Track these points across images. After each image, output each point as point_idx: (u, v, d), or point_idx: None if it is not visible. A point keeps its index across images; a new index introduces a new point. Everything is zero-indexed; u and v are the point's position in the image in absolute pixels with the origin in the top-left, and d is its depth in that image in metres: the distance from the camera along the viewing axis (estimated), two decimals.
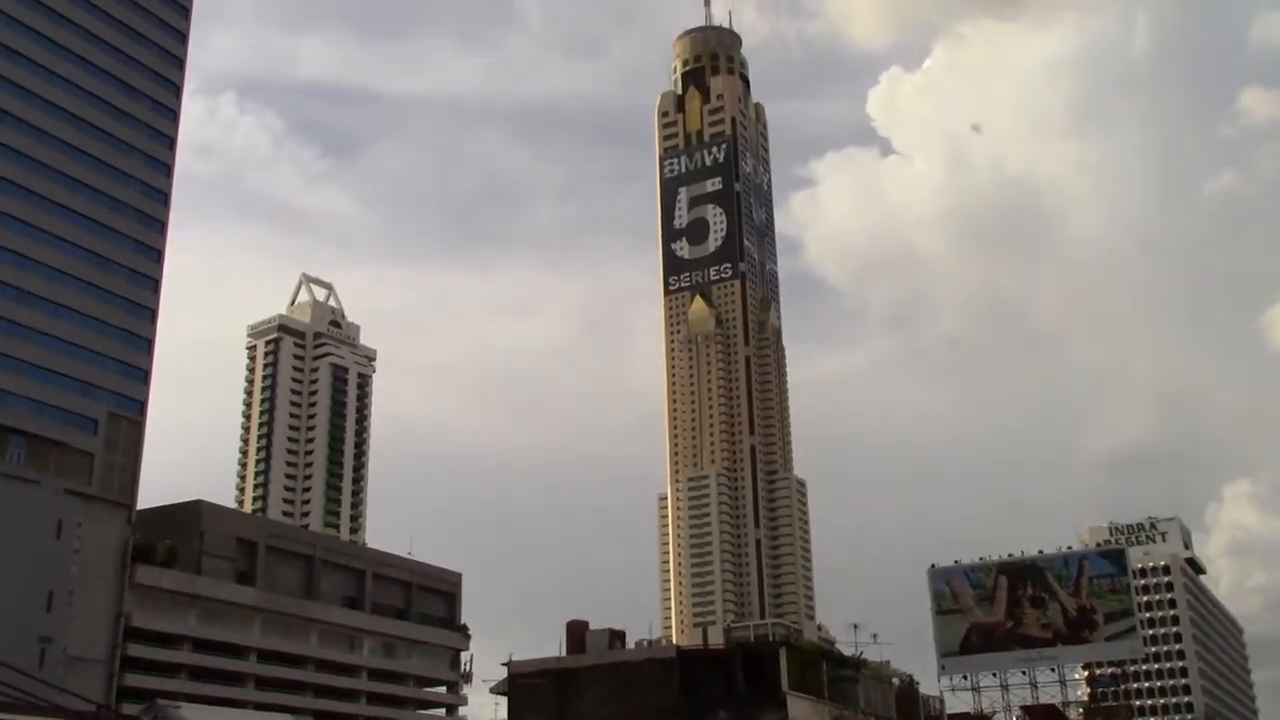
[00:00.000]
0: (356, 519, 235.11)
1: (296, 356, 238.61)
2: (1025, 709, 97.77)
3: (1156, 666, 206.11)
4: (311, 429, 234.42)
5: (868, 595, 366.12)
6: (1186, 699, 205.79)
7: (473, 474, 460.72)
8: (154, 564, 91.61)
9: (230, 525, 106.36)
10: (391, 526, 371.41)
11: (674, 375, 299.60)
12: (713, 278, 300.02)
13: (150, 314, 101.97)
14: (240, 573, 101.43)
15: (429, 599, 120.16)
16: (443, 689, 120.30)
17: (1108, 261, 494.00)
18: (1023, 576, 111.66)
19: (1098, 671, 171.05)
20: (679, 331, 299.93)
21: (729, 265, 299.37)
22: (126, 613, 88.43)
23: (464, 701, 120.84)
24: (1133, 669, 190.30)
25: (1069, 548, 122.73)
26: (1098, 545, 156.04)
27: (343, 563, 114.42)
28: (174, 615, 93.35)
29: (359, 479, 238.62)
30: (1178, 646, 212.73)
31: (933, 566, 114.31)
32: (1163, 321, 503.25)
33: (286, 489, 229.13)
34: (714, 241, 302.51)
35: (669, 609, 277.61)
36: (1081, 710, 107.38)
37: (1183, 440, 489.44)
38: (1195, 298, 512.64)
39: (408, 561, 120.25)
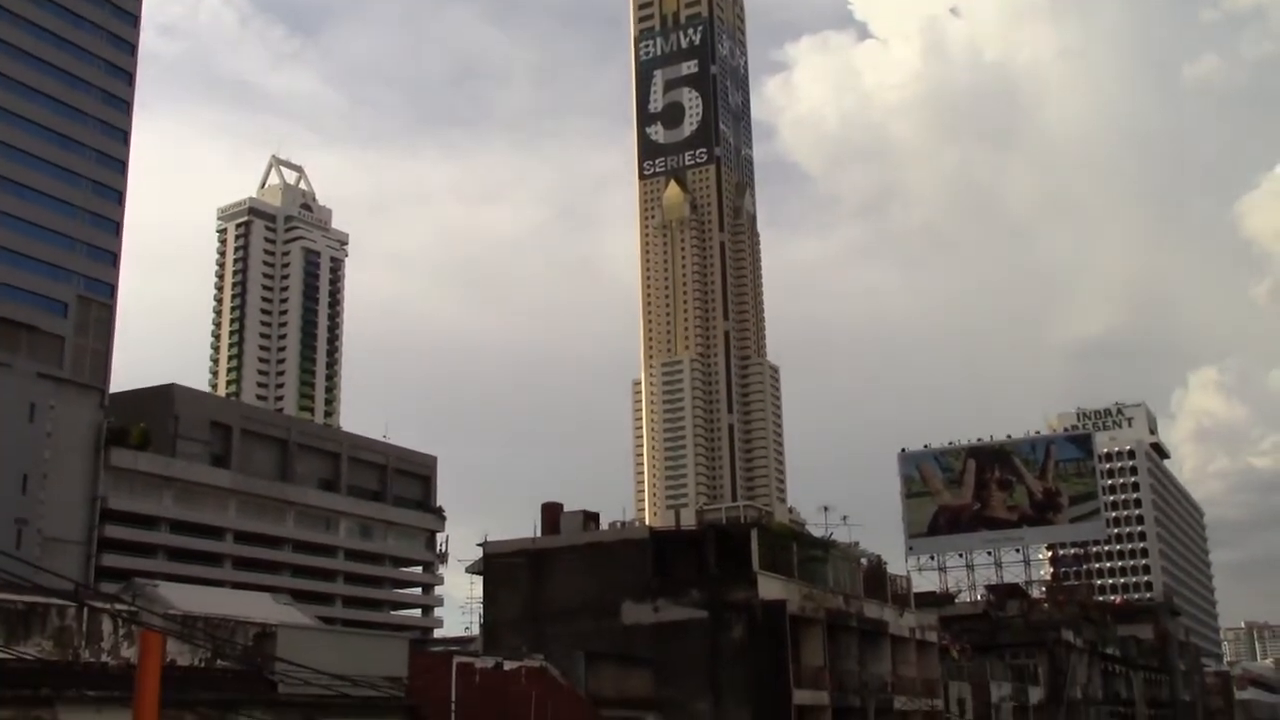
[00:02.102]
0: (331, 403, 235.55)
1: (268, 240, 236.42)
2: (990, 588, 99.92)
3: (1119, 548, 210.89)
4: (284, 313, 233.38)
5: (838, 479, 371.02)
6: (1146, 579, 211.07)
7: (447, 360, 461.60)
8: (128, 447, 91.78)
9: (204, 409, 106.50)
10: (366, 411, 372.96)
11: (648, 261, 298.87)
12: (688, 162, 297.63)
13: (118, 196, 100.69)
14: (215, 456, 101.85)
15: (404, 482, 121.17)
16: (419, 569, 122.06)
17: (1083, 149, 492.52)
18: (991, 460, 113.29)
19: (1061, 552, 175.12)
20: (653, 217, 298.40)
21: (704, 150, 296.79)
22: (102, 495, 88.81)
23: (440, 581, 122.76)
24: (1095, 550, 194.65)
25: (1037, 433, 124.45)
26: (1065, 430, 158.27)
27: (318, 446, 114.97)
28: (150, 497, 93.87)
29: (333, 363, 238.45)
30: (1140, 529, 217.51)
31: (903, 451, 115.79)
32: (1136, 209, 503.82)
33: (260, 373, 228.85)
34: (689, 125, 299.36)
35: (642, 492, 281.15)
36: (1044, 589, 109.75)
37: (1151, 328, 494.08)
38: (1169, 185, 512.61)
39: (383, 445, 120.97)
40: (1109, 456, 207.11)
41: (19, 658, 18.06)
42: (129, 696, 15.90)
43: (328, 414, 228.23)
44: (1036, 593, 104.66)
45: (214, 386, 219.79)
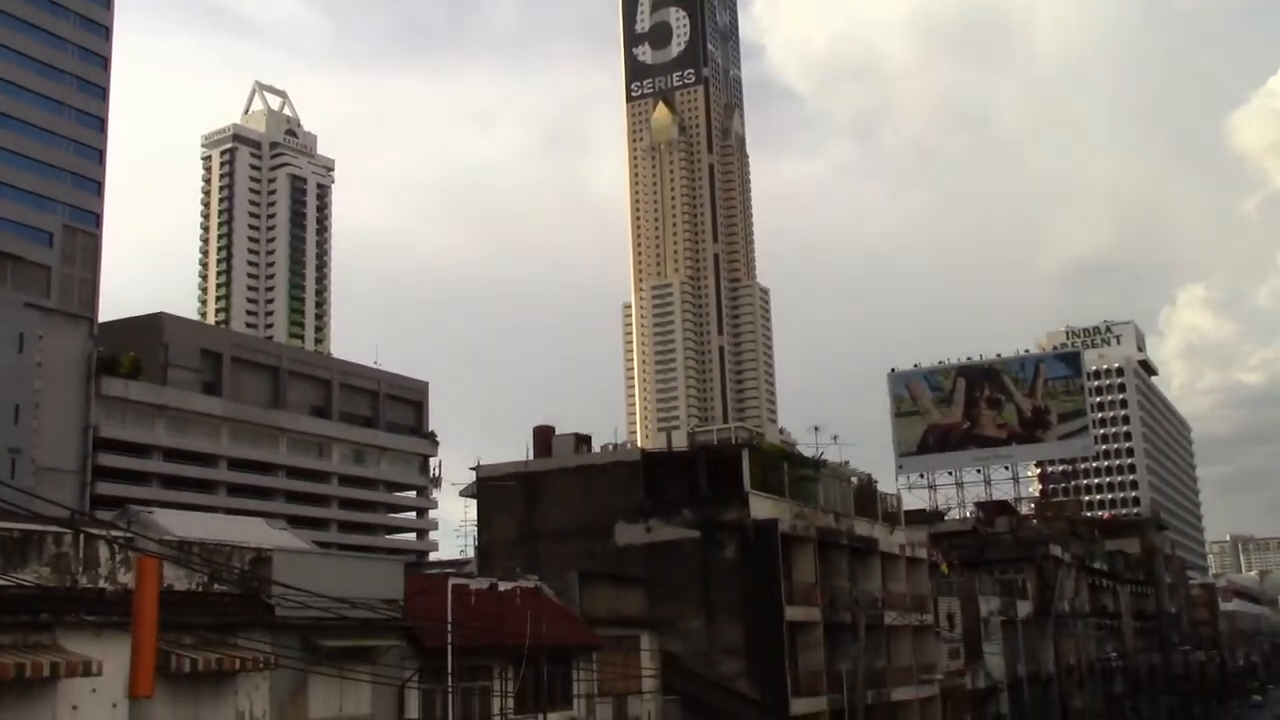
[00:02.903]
0: (321, 330, 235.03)
1: (253, 167, 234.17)
2: (979, 505, 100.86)
3: (1106, 464, 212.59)
4: (272, 240, 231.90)
5: (829, 400, 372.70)
6: (1134, 494, 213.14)
7: (436, 285, 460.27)
8: (119, 376, 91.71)
9: (194, 337, 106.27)
10: (356, 338, 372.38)
11: (637, 183, 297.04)
12: (676, 83, 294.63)
13: (100, 123, 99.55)
14: (206, 384, 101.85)
15: (396, 407, 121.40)
16: (412, 493, 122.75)
17: (1073, 66, 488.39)
18: (980, 379, 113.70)
19: (1050, 469, 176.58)
20: (642, 139, 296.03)
21: (692, 70, 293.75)
22: (94, 424, 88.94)
23: (434, 505, 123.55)
24: (1083, 466, 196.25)
25: (1026, 351, 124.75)
26: (1054, 349, 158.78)
27: (309, 373, 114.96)
28: (142, 426, 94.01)
29: (322, 290, 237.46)
30: (1127, 445, 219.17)
31: (893, 370, 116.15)
32: (1125, 127, 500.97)
33: (249, 301, 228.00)
34: (677, 46, 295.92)
35: (634, 415, 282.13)
36: (1033, 505, 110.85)
37: (1140, 245, 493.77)
38: (1159, 102, 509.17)
39: (374, 371, 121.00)
40: (1098, 374, 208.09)
41: (18, 584, 18.19)
42: (128, 621, 16.07)
43: (318, 341, 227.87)
44: (1025, 509, 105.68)
45: (203, 315, 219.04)
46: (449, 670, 26.96)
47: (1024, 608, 73.69)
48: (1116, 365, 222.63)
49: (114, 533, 20.78)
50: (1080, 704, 76.63)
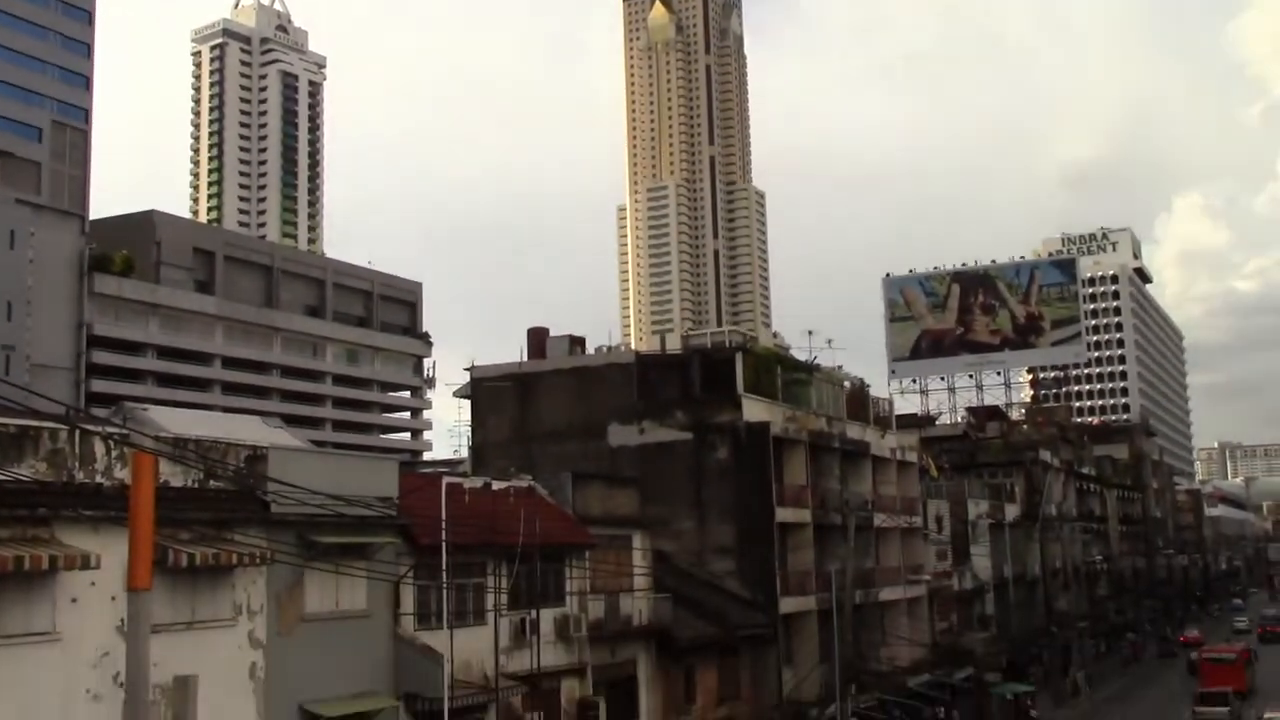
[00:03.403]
0: (314, 229, 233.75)
1: (244, 63, 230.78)
2: (970, 410, 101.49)
3: (1098, 371, 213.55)
4: (264, 138, 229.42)
5: (823, 305, 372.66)
6: (1124, 400, 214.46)
7: (430, 187, 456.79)
8: (111, 274, 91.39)
9: (186, 235, 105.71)
10: (349, 239, 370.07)
11: (633, 84, 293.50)
12: None
13: (87, 15, 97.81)
14: (199, 282, 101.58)
15: (390, 308, 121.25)
16: (407, 394, 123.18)
17: None
18: (975, 285, 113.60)
19: (1041, 375, 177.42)
20: (638, 39, 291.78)
21: None
22: (88, 321, 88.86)
23: (428, 406, 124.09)
24: (1075, 373, 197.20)
25: (1022, 258, 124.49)
26: (1050, 255, 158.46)
27: (302, 272, 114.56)
28: (135, 324, 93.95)
29: (314, 189, 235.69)
30: (1120, 352, 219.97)
31: (887, 275, 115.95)
32: (1127, 33, 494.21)
33: (241, 199, 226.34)
34: None
35: (628, 318, 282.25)
36: (1023, 411, 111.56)
37: (1139, 153, 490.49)
38: (1161, 8, 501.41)
39: (367, 271, 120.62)
40: (1092, 281, 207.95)
41: (15, 479, 18.32)
42: (124, 516, 16.21)
43: (311, 241, 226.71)
44: (1016, 415, 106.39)
45: (195, 213, 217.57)
46: (443, 567, 27.30)
47: (1012, 511, 74.62)
48: (1111, 273, 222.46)
49: (110, 429, 20.87)
50: (1064, 605, 78.00)
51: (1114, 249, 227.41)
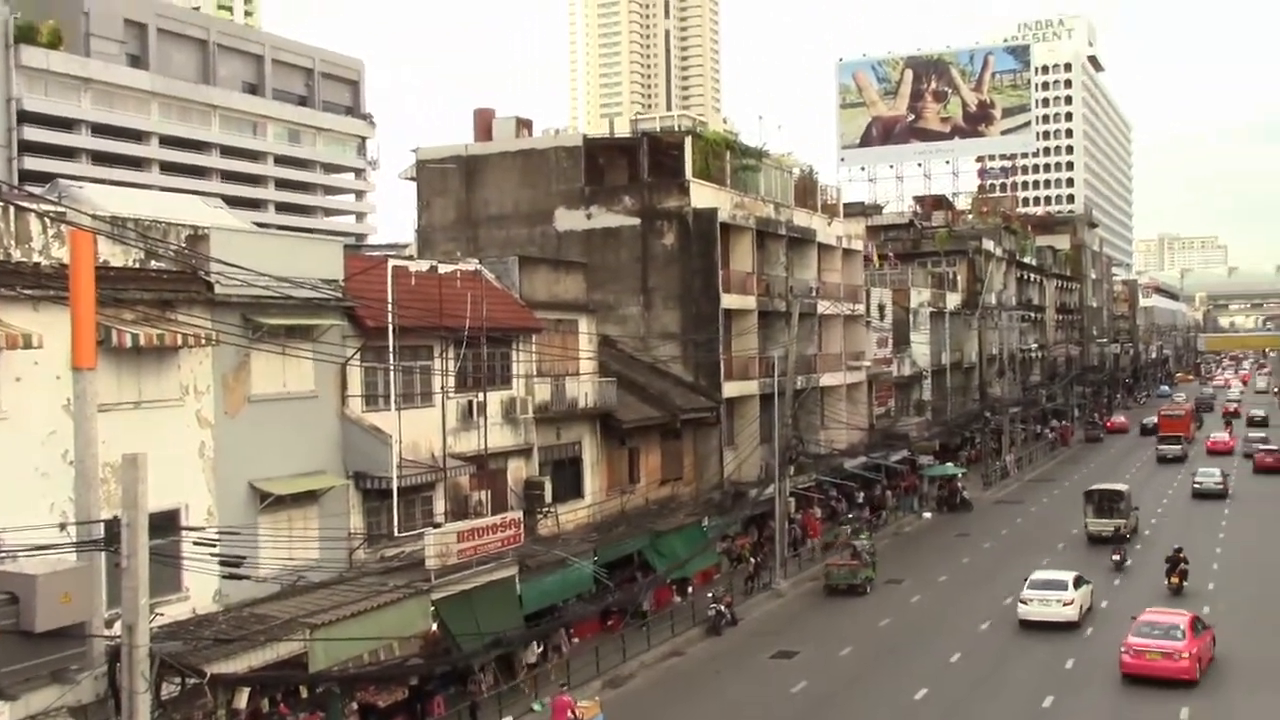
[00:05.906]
0: (250, 3, 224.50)
1: None
2: (917, 199, 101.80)
3: (1046, 161, 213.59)
4: None
5: (775, 92, 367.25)
6: (1069, 191, 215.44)
7: None
8: (38, 46, 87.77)
9: (117, 5, 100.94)
10: (287, 18, 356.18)
11: None
12: None
13: None
14: (132, 56, 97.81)
15: (332, 87, 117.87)
16: (350, 175, 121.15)
17: None
18: (928, 71, 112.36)
19: (989, 165, 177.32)
20: None
21: None
22: (16, 96, 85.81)
23: (372, 188, 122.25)
24: (1023, 163, 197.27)
25: (977, 43, 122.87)
26: (1004, 41, 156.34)
27: (239, 47, 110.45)
28: (67, 99, 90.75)
29: None
30: (1068, 142, 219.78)
31: (840, 60, 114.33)
32: None
33: None
34: None
35: (576, 101, 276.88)
36: (970, 200, 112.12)
37: None
38: None
39: (308, 47, 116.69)
40: (1045, 69, 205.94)
41: None
42: (65, 295, 16.06)
43: (248, 14, 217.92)
44: (962, 204, 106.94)
45: None
46: (390, 349, 27.46)
47: (953, 300, 75.83)
48: (1065, 61, 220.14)
49: (46, 206, 20.43)
50: (998, 390, 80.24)
51: (1070, 36, 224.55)
